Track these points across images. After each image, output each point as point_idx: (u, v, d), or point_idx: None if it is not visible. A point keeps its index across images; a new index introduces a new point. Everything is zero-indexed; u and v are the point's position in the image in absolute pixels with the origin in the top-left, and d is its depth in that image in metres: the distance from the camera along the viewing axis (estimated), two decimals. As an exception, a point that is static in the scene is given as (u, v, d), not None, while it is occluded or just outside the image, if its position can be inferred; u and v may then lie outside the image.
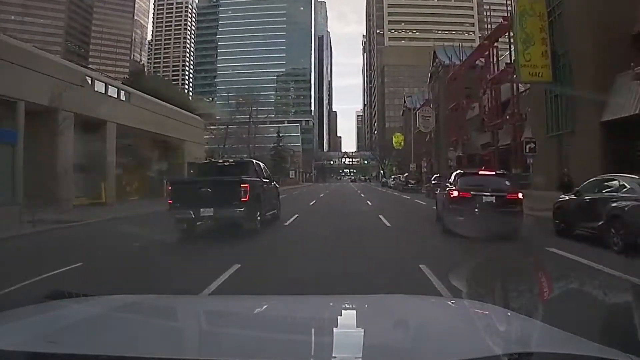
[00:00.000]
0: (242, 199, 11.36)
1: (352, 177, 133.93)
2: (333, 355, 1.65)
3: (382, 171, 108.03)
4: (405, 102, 77.74)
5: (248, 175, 12.57)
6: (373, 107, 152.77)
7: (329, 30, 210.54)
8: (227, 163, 14.90)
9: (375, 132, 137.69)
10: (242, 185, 11.49)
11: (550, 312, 2.20)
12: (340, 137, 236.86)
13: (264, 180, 14.14)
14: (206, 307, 2.51)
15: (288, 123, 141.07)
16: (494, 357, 1.34)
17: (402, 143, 72.61)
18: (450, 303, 2.64)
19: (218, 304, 2.77)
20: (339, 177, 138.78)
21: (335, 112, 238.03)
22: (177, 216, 11.77)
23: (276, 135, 77.89)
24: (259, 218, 12.42)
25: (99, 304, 2.23)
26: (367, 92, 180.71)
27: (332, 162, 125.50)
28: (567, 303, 3.86)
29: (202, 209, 11.30)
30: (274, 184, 16.11)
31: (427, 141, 58.30)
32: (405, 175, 42.33)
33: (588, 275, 6.93)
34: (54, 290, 2.23)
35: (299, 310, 2.34)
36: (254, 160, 15.44)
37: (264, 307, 2.41)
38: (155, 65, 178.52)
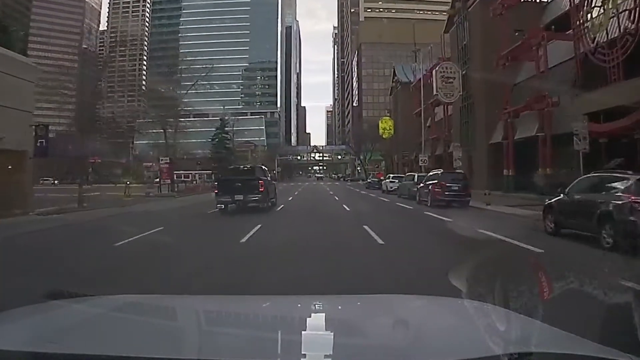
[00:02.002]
0: (260, 190, 17.06)
1: (320, 175, 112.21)
2: (333, 355, 1.55)
3: (358, 168, 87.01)
4: (395, 75, 56.48)
5: (261, 174, 18.68)
6: (346, 97, 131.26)
7: (297, 19, 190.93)
8: (246, 168, 20.97)
9: (349, 123, 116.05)
10: (259, 181, 17.38)
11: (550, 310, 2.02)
12: (309, 133, 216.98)
13: (268, 179, 19.90)
14: (206, 307, 2.31)
15: (251, 115, 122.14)
16: (494, 357, 1.27)
17: (392, 130, 51.72)
18: (450, 303, 2.33)
19: (218, 304, 2.55)
20: (309, 175, 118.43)
21: (304, 107, 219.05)
22: (220, 199, 17.21)
23: (219, 121, 55.51)
24: (268, 202, 18.12)
25: (99, 304, 2.15)
26: (338, 85, 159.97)
27: (298, 158, 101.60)
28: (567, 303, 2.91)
29: (235, 196, 16.83)
30: (274, 182, 23.02)
31: (438, 122, 37.61)
32: (435, 172, 20.90)
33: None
34: (54, 290, 2.13)
35: (298, 310, 2.26)
36: (263, 166, 22.61)
37: (264, 307, 2.33)
38: (110, 54, 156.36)
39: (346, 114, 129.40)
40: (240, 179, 17.41)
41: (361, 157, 66.33)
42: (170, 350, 1.49)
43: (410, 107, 46.18)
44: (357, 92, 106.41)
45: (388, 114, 54.66)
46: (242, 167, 22.51)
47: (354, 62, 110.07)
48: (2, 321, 1.74)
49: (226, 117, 57.54)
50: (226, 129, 54.12)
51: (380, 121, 54.28)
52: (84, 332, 1.69)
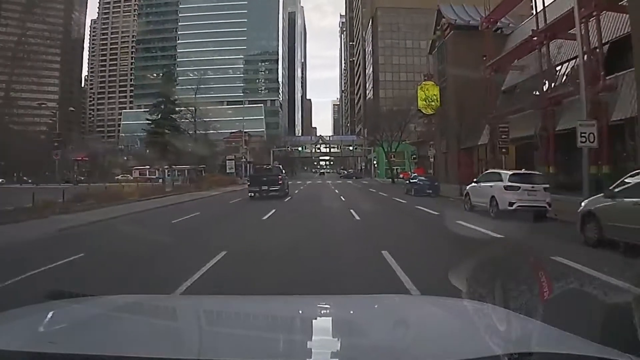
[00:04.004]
0: (279, 183, 23.22)
1: (324, 170, 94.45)
2: (334, 355, 1.53)
3: (375, 162, 67.87)
4: (440, 19, 36.26)
5: (279, 172, 25.08)
6: (357, 82, 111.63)
7: (302, 5, 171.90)
8: (268, 167, 27.94)
9: (360, 111, 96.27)
10: (279, 177, 23.76)
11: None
12: (315, 127, 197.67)
13: (284, 174, 26.69)
14: (206, 307, 2.22)
15: (249, 103, 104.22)
16: (494, 357, 1.24)
17: (439, 101, 32.45)
18: (450, 303, 2.24)
19: (218, 304, 2.44)
20: (314, 170, 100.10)
21: (310, 100, 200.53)
22: (251, 189, 23.14)
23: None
24: (284, 191, 24.08)
25: (98, 304, 2.09)
26: (346, 73, 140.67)
27: (300, 149, 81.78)
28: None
29: (262, 187, 22.56)
30: (286, 177, 28.51)
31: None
32: None
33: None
34: (54, 290, 2.04)
35: (299, 310, 2.19)
36: (280, 166, 30.00)
37: (264, 307, 2.21)
38: (102, 44, 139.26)
39: (356, 101, 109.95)
40: (265, 174, 23.93)
41: (385, 147, 46.59)
42: (170, 350, 1.45)
43: (473, 63, 27.11)
44: (372, 71, 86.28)
45: (427, 79, 35.37)
46: (265, 166, 28.79)
47: (369, 34, 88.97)
48: (2, 321, 1.69)
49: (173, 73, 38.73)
50: (174, 99, 35.20)
51: (418, 88, 34.33)
52: (84, 332, 1.63)
